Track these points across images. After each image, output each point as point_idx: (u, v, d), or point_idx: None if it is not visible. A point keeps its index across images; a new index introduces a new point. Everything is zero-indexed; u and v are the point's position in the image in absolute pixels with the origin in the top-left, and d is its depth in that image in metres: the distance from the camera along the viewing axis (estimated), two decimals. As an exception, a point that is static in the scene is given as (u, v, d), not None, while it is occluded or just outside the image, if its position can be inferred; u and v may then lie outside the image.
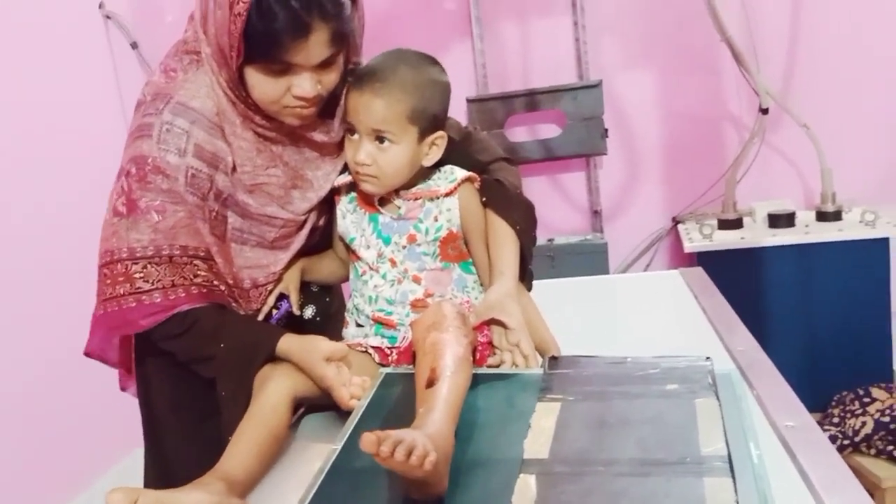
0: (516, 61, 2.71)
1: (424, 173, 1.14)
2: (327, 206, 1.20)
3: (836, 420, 2.23)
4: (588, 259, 2.59)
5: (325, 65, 1.04)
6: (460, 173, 1.15)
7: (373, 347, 1.12)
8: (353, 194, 1.17)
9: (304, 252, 1.21)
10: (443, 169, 1.15)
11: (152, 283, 1.07)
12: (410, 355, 1.07)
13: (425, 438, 0.76)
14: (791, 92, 2.54)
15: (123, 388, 1.30)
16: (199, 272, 1.09)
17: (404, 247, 1.13)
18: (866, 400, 2.23)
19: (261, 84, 1.04)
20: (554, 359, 1.05)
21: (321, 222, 1.21)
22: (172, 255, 1.07)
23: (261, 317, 1.18)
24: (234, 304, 1.15)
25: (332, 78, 1.07)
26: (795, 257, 2.36)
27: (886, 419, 2.11)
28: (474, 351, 1.04)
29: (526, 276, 1.19)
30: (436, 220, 1.13)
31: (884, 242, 2.32)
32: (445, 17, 2.72)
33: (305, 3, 0.98)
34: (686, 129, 2.66)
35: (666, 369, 0.99)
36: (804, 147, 2.46)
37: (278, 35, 0.98)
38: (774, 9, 2.52)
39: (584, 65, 2.63)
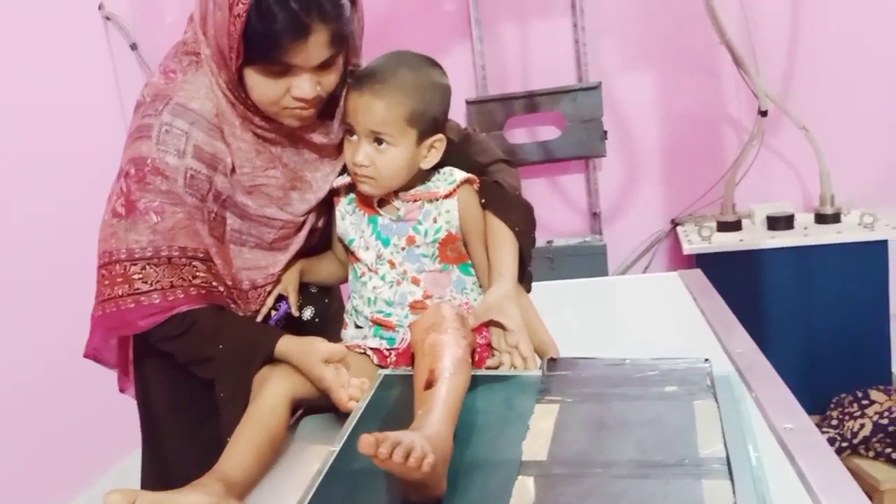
0: (516, 63, 2.71)
1: (423, 175, 1.14)
2: (326, 207, 1.20)
3: (834, 422, 2.23)
4: (587, 261, 2.59)
5: (324, 66, 1.04)
6: (459, 175, 1.15)
7: (371, 349, 1.12)
8: (352, 196, 1.17)
9: (303, 253, 1.21)
10: (442, 170, 1.16)
11: (151, 284, 1.07)
12: (409, 357, 1.07)
13: (424, 440, 0.76)
14: (790, 94, 2.54)
15: (122, 390, 1.30)
16: (197, 273, 1.09)
17: (403, 248, 1.13)
18: (865, 402, 2.23)
19: (260, 85, 1.04)
20: (553, 360, 1.05)
21: (320, 224, 1.21)
22: (171, 256, 1.07)
23: (259, 318, 1.18)
24: (232, 306, 1.15)
25: (331, 79, 1.07)
26: (794, 259, 2.37)
27: (885, 421, 2.11)
28: (473, 352, 1.04)
29: (525, 278, 1.19)
30: (435, 221, 1.13)
31: (882, 245, 2.32)
32: (445, 19, 2.72)
33: (305, 4, 0.98)
34: (685, 131, 2.66)
35: (664, 371, 0.99)
36: (803, 149, 2.47)
37: (278, 36, 0.98)
38: (773, 11, 2.52)
39: (584, 67, 2.63)
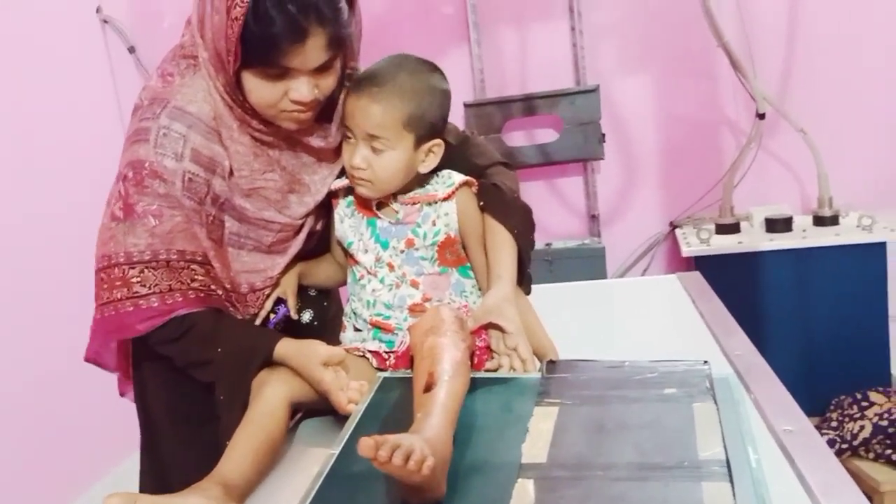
0: (514, 66, 2.71)
1: (422, 178, 1.14)
2: (325, 210, 1.20)
3: (834, 424, 2.23)
4: (586, 263, 2.59)
5: (322, 69, 1.04)
6: (458, 178, 1.15)
7: (370, 352, 1.12)
8: (351, 198, 1.17)
9: (302, 256, 1.21)
10: (440, 173, 1.16)
11: (149, 288, 1.06)
12: (408, 360, 1.07)
13: (423, 443, 0.75)
14: (788, 97, 2.54)
15: (122, 393, 1.30)
16: (196, 276, 1.09)
17: (402, 251, 1.13)
18: (864, 404, 2.23)
19: (258, 88, 1.04)
20: (552, 363, 1.05)
21: (318, 227, 1.21)
22: (169, 259, 1.07)
23: (258, 321, 1.17)
24: (231, 309, 1.14)
25: (329, 82, 1.07)
26: (793, 262, 2.37)
27: (885, 423, 2.11)
28: (472, 355, 1.04)
29: (524, 281, 1.19)
30: (434, 224, 1.13)
31: (881, 247, 2.32)
32: (443, 22, 2.73)
33: (303, 7, 0.98)
34: (683, 133, 2.66)
35: (664, 373, 0.99)
36: (801, 152, 2.47)
37: (275, 39, 0.98)
38: (771, 14, 2.52)
39: (582, 70, 2.63)
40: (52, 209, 2.23)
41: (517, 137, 2.74)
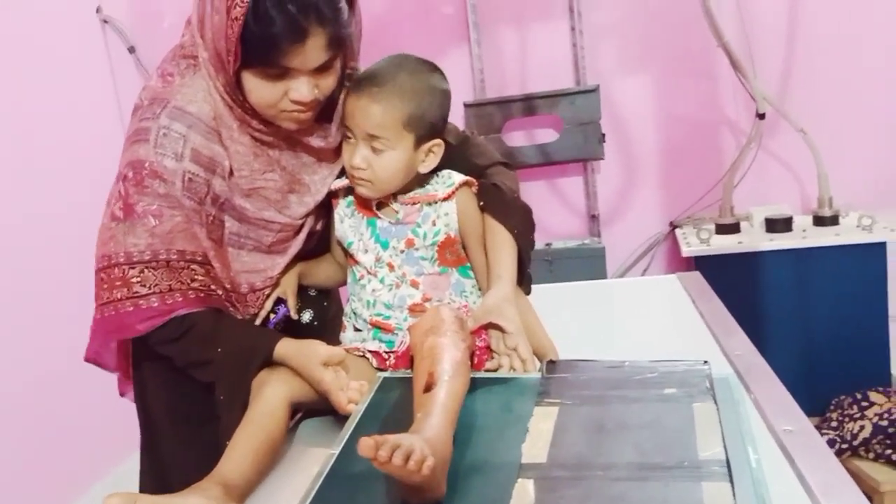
0: (514, 66, 2.71)
1: (422, 178, 1.14)
2: (325, 210, 1.20)
3: (834, 424, 2.23)
4: (586, 263, 2.59)
5: (322, 69, 1.04)
6: (458, 178, 1.15)
7: (370, 352, 1.12)
8: (351, 198, 1.17)
9: (302, 256, 1.21)
10: (440, 173, 1.16)
11: (149, 288, 1.06)
12: (408, 360, 1.07)
13: (423, 443, 0.75)
14: (788, 97, 2.54)
15: (122, 394, 1.30)
16: (196, 276, 1.09)
17: (402, 251, 1.13)
18: (864, 404, 2.23)
19: (258, 88, 1.04)
20: (552, 363, 1.05)
21: (318, 226, 1.21)
22: (169, 259, 1.07)
23: (258, 321, 1.17)
24: (231, 309, 1.14)
25: (329, 82, 1.07)
26: (793, 262, 2.37)
27: (885, 423, 2.11)
28: (472, 355, 1.04)
29: (524, 281, 1.19)
30: (434, 224, 1.13)
31: (881, 247, 2.32)
32: (443, 22, 2.73)
33: (303, 7, 0.98)
34: (683, 133, 2.66)
35: (664, 373, 0.99)
36: (801, 152, 2.47)
37: (275, 39, 0.98)
38: (771, 14, 2.52)
39: (582, 70, 2.63)
40: (52, 209, 2.23)
41: (517, 137, 2.74)
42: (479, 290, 1.17)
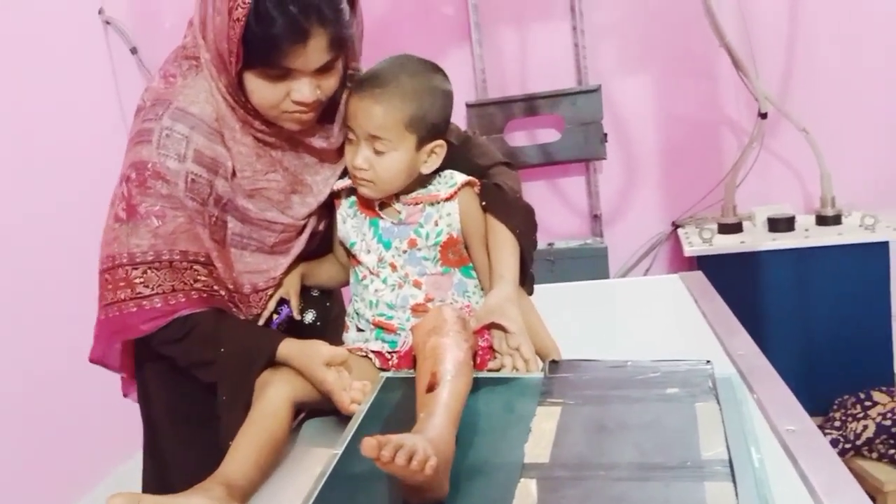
0: (515, 66, 2.71)
1: (424, 178, 1.14)
2: (327, 210, 1.20)
3: (837, 424, 2.23)
4: (588, 263, 2.59)
5: (324, 70, 1.04)
6: (460, 178, 1.15)
7: (373, 352, 1.12)
8: (354, 198, 1.17)
9: (305, 257, 1.21)
10: (443, 174, 1.16)
11: (152, 289, 1.07)
12: (411, 360, 1.07)
13: (426, 443, 0.76)
14: (790, 96, 2.54)
15: (126, 394, 1.30)
16: (199, 277, 1.09)
17: (405, 251, 1.13)
18: (868, 404, 2.22)
19: (260, 89, 1.04)
20: (554, 363, 1.05)
21: (321, 227, 1.21)
22: (172, 260, 1.07)
23: (261, 322, 1.18)
24: (234, 309, 1.15)
25: (331, 83, 1.07)
26: (795, 261, 2.36)
27: (888, 423, 2.11)
28: (475, 355, 1.04)
29: (527, 280, 1.19)
30: (436, 224, 1.13)
31: (884, 246, 2.32)
32: (444, 23, 2.73)
33: (304, 8, 0.98)
34: (685, 133, 2.66)
35: (666, 373, 0.99)
36: (803, 151, 2.47)
37: (277, 40, 0.98)
38: (772, 14, 2.52)
39: (583, 70, 2.63)
40: (53, 209, 2.24)
41: (519, 137, 2.74)
42: (482, 290, 1.17)
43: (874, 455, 2.11)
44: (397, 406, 1.00)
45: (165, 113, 1.07)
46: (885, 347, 2.36)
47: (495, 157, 1.23)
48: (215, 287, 1.11)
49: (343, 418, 1.02)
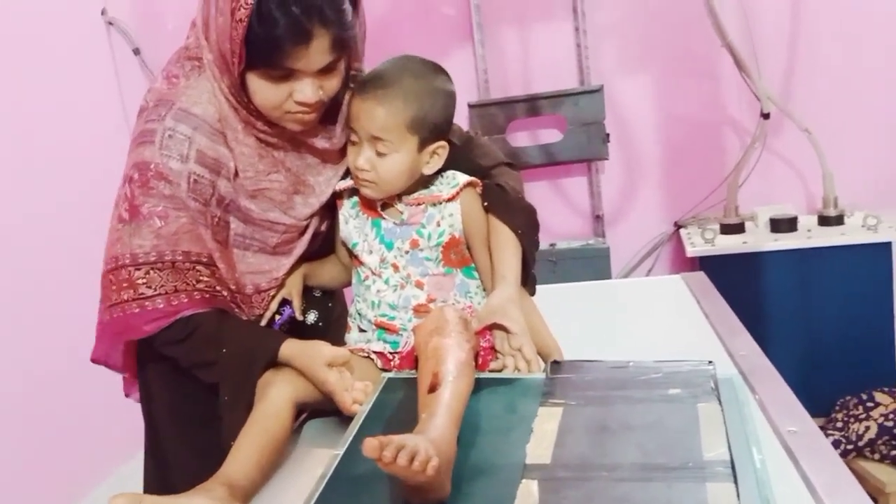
0: (517, 66, 2.71)
1: (427, 178, 1.14)
2: (329, 211, 1.20)
3: (839, 425, 2.22)
4: (590, 264, 2.59)
5: (326, 70, 1.04)
6: (462, 178, 1.15)
7: (375, 352, 1.12)
8: (356, 199, 1.17)
9: (307, 257, 1.22)
10: (445, 174, 1.16)
11: (155, 289, 1.07)
12: (413, 360, 1.07)
13: (428, 443, 0.76)
14: (792, 97, 2.53)
15: (128, 394, 1.30)
16: (201, 278, 1.09)
17: (407, 252, 1.13)
18: (870, 405, 2.22)
19: (262, 90, 1.04)
20: (556, 363, 1.05)
21: (323, 227, 1.22)
22: (175, 260, 1.07)
23: (263, 322, 1.18)
24: (236, 310, 1.15)
25: (333, 84, 1.07)
26: (798, 262, 2.36)
27: (890, 424, 2.11)
28: (476, 356, 1.04)
29: (529, 281, 1.19)
30: (438, 225, 1.13)
31: (886, 247, 2.31)
32: (446, 23, 2.73)
33: (306, 9, 0.98)
34: (687, 133, 2.66)
35: (668, 374, 0.99)
36: (806, 152, 2.46)
37: (279, 41, 0.99)
38: (775, 14, 2.52)
39: (586, 70, 2.63)
40: (56, 210, 2.24)
41: (521, 138, 2.74)
42: (484, 290, 1.17)
43: (876, 456, 2.11)
44: (399, 407, 1.00)
45: (168, 114, 1.07)
46: (887, 348, 2.35)
47: (497, 158, 1.23)
48: (218, 288, 1.11)
49: (345, 419, 1.02)
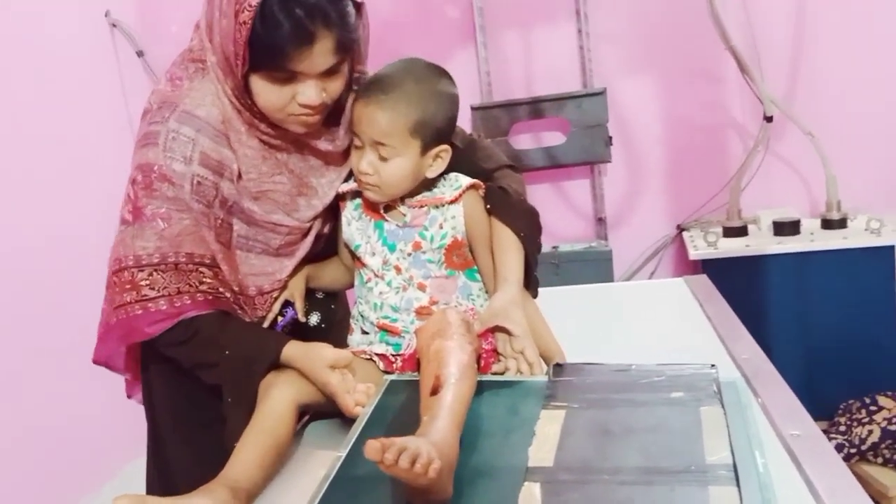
0: (520, 69, 2.72)
1: (429, 181, 1.14)
2: (332, 213, 1.20)
3: (842, 428, 2.22)
4: (593, 266, 2.59)
5: (329, 73, 1.04)
6: (465, 181, 1.15)
7: (377, 355, 1.12)
8: (359, 201, 1.17)
9: (310, 259, 1.22)
10: (447, 176, 1.16)
11: (158, 291, 1.07)
12: (415, 363, 1.07)
13: (430, 446, 0.76)
14: (795, 100, 2.53)
15: (130, 396, 1.30)
16: (204, 279, 1.09)
17: (409, 254, 1.13)
18: (873, 408, 2.22)
19: (266, 92, 1.04)
20: (558, 366, 1.05)
21: (326, 229, 1.22)
22: (178, 262, 1.07)
23: (266, 324, 1.18)
24: (239, 312, 1.15)
25: (336, 86, 1.07)
26: (800, 265, 2.36)
27: (893, 427, 2.10)
28: (479, 358, 1.04)
29: (531, 284, 1.19)
30: (441, 227, 1.13)
31: (889, 250, 2.31)
32: (449, 26, 2.73)
33: (310, 11, 0.98)
34: (690, 136, 2.66)
35: (671, 377, 0.99)
36: (809, 155, 2.46)
37: (283, 43, 0.99)
38: (778, 17, 2.52)
39: (588, 72, 2.63)
40: (60, 212, 2.24)
41: (524, 140, 2.74)
42: (486, 293, 1.17)
43: (879, 460, 2.10)
44: (401, 409, 1.00)
45: (172, 115, 1.07)
46: (890, 352, 2.35)
47: (500, 160, 1.23)
48: (220, 289, 1.11)
49: (347, 421, 1.02)
